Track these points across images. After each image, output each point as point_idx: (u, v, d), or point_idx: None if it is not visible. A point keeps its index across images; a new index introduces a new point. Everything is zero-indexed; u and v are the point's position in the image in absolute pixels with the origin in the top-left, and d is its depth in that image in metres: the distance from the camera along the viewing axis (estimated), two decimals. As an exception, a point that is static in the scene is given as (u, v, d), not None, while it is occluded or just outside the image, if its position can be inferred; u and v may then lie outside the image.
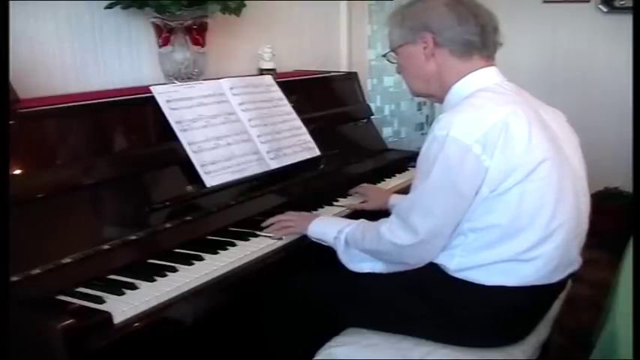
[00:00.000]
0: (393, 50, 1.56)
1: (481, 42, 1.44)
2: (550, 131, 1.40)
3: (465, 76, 1.45)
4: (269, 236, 1.63)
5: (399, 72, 1.60)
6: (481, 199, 1.33)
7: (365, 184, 2.04)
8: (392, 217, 1.44)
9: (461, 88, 1.45)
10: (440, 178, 1.33)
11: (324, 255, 1.58)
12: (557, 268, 1.39)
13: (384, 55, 1.63)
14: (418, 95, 1.63)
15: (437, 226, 1.36)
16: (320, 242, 1.61)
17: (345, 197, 2.00)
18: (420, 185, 1.38)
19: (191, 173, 1.67)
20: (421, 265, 1.43)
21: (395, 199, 1.89)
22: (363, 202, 1.95)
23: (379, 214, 1.89)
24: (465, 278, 1.38)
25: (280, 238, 1.62)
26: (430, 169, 1.34)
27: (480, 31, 1.44)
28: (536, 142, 1.33)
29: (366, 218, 1.60)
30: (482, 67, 1.45)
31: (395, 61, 1.58)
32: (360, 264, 1.52)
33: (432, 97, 1.59)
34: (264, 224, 1.68)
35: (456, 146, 1.30)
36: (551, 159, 1.34)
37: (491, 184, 1.32)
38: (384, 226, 1.43)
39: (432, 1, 1.48)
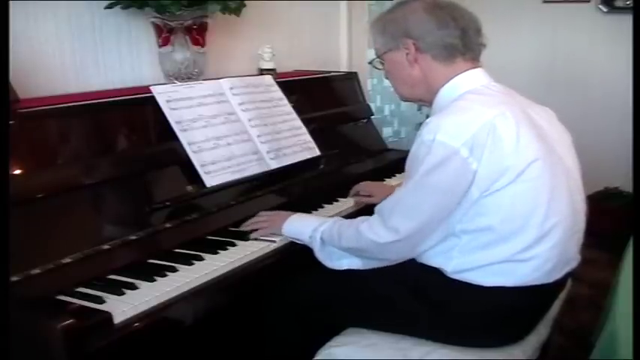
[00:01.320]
0: (378, 57, 1.57)
1: (463, 45, 1.44)
2: (540, 130, 1.40)
3: (451, 79, 1.45)
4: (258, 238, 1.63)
5: (387, 77, 1.60)
6: (471, 201, 1.33)
7: (364, 182, 2.04)
8: (374, 216, 1.44)
9: (448, 91, 1.45)
10: (423, 180, 1.33)
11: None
12: (555, 267, 1.39)
13: (370, 62, 1.63)
14: (407, 100, 1.62)
15: (417, 227, 1.36)
16: (296, 241, 1.61)
17: (345, 197, 1.99)
18: (404, 186, 1.39)
19: (191, 173, 1.67)
20: (402, 260, 1.44)
21: None
22: (368, 198, 1.95)
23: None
24: (463, 279, 1.38)
25: (273, 241, 1.62)
26: (416, 171, 1.35)
27: (460, 34, 1.44)
28: (526, 143, 1.33)
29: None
30: (468, 70, 1.46)
31: (381, 68, 1.58)
32: (338, 261, 1.53)
33: (420, 102, 1.59)
34: (242, 228, 1.66)
35: (443, 150, 1.31)
36: (542, 159, 1.34)
37: (481, 185, 1.32)
38: (364, 223, 1.44)
39: (411, 7, 1.48)
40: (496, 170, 1.31)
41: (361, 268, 1.50)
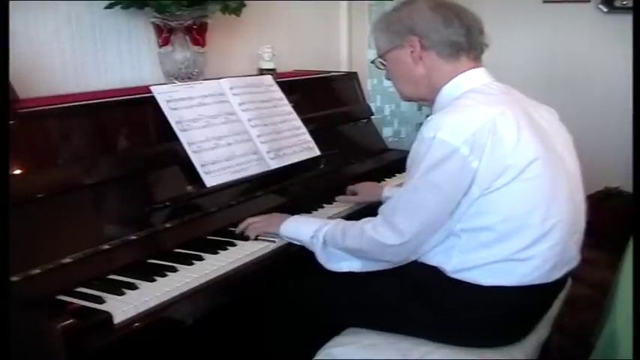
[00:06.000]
0: (380, 56, 1.56)
1: (467, 43, 1.45)
2: (541, 130, 1.40)
3: (453, 77, 1.46)
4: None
5: (388, 78, 1.60)
6: (472, 199, 1.33)
7: (360, 183, 2.03)
8: (377, 217, 1.44)
9: (450, 89, 1.46)
10: (424, 178, 1.34)
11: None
12: (554, 266, 1.39)
13: (372, 62, 1.63)
14: (409, 99, 1.62)
15: (420, 227, 1.36)
16: (293, 242, 1.60)
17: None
18: (406, 186, 1.39)
19: (191, 173, 1.67)
20: (402, 264, 1.43)
21: (389, 192, 1.91)
22: (353, 196, 1.95)
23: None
24: (462, 279, 1.38)
25: (273, 241, 1.61)
26: (416, 169, 1.35)
27: (465, 32, 1.44)
28: (526, 142, 1.33)
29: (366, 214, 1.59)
30: (470, 69, 1.46)
31: (383, 68, 1.58)
32: (338, 263, 1.52)
33: (422, 101, 1.59)
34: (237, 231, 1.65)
35: (443, 147, 1.31)
36: (542, 158, 1.34)
37: (482, 184, 1.32)
38: (368, 224, 1.44)
39: (416, 5, 1.48)
40: (496, 169, 1.31)
41: (361, 270, 1.50)
